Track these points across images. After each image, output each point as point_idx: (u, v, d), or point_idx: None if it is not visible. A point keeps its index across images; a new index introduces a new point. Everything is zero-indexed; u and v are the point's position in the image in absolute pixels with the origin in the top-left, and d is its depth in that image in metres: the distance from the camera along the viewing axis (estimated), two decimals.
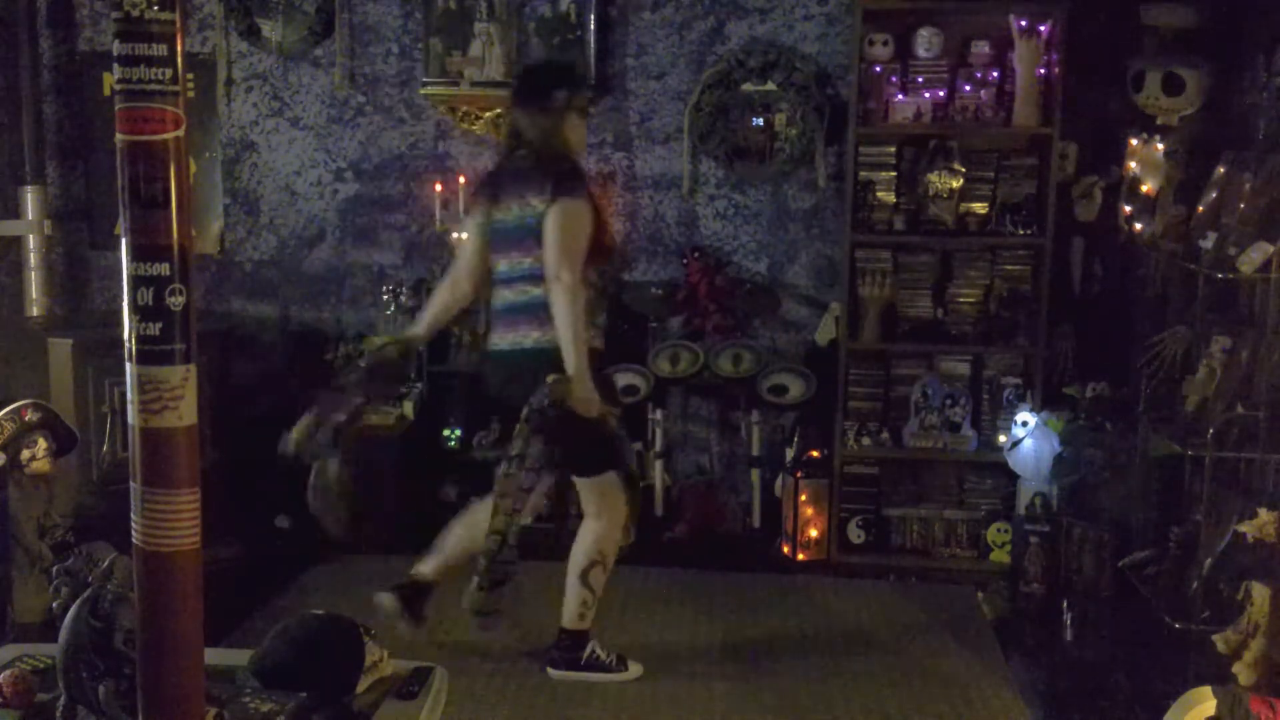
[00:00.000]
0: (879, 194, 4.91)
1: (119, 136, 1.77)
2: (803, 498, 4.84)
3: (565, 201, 3.46)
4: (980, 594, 4.57)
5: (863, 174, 4.89)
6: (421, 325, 3.95)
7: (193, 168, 5.27)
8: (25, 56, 5.08)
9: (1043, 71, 4.69)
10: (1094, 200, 4.79)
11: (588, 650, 3.75)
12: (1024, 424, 4.61)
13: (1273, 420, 3.62)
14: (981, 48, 4.87)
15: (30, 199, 5.09)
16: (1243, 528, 3.41)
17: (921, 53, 4.86)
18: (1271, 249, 3.59)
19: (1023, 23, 4.65)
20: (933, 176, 4.79)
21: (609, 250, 3.82)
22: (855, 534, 4.92)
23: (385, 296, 5.21)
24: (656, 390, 5.04)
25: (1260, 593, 3.23)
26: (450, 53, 5.08)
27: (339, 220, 5.37)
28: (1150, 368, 4.13)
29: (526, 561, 3.64)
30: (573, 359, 3.42)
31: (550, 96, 3.58)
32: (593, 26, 5.03)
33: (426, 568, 3.86)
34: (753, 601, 4.40)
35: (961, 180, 4.80)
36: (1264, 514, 3.37)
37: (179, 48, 1.76)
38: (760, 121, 5.07)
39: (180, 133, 1.78)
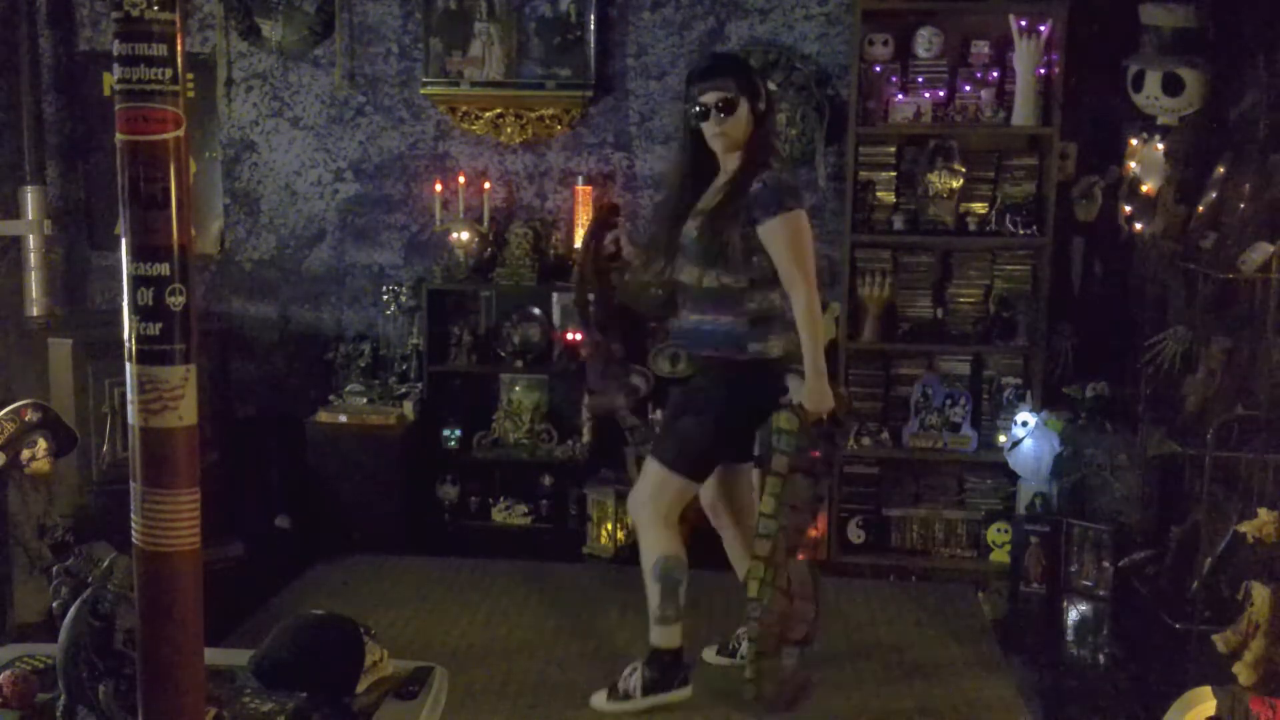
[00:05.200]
0: (879, 194, 4.92)
1: (119, 136, 1.77)
2: None
3: None
4: (980, 594, 4.57)
5: (863, 174, 4.89)
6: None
7: (193, 168, 5.27)
8: (25, 56, 5.08)
9: (1043, 71, 4.69)
10: (1094, 200, 4.79)
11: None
12: (1024, 424, 4.61)
13: (1273, 420, 3.62)
14: (981, 48, 4.87)
15: (30, 199, 5.08)
16: (1243, 528, 3.41)
17: (921, 53, 4.87)
18: (1271, 249, 3.60)
19: (1023, 22, 4.65)
20: (933, 176, 4.79)
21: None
22: (855, 534, 4.92)
23: (385, 296, 5.22)
24: (656, 390, 5.02)
25: (1260, 593, 3.22)
26: (450, 53, 5.08)
27: (339, 220, 5.37)
28: (1150, 368, 4.13)
29: None
30: None
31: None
32: (593, 26, 5.03)
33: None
34: None
35: (961, 180, 4.80)
36: (1264, 514, 3.36)
37: (179, 48, 1.76)
38: None
39: (180, 133, 1.77)
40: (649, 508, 3.49)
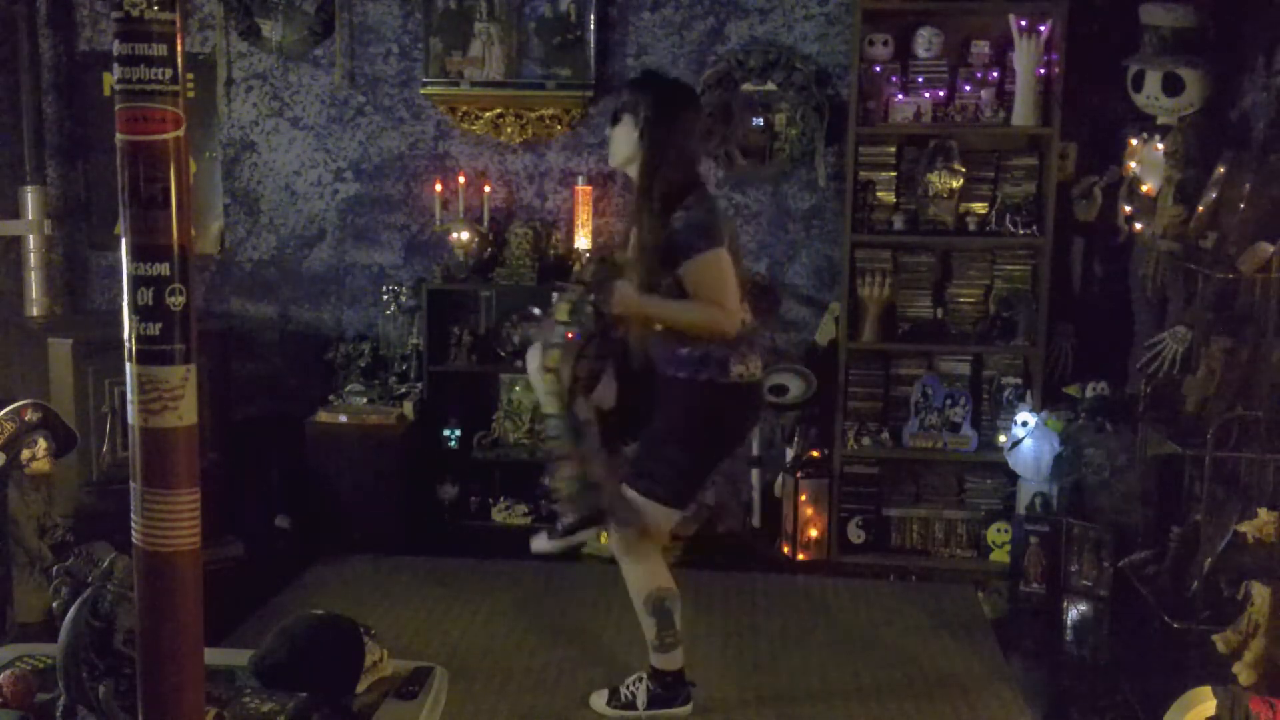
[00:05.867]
0: (879, 194, 4.92)
1: (119, 136, 1.77)
2: (803, 498, 4.84)
3: None
4: (980, 594, 4.57)
5: (863, 174, 4.89)
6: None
7: (193, 168, 5.27)
8: (25, 56, 5.08)
9: (1043, 71, 4.69)
10: (1094, 200, 4.78)
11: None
12: (1024, 424, 4.61)
13: (1273, 420, 3.62)
14: (981, 48, 4.87)
15: (30, 199, 5.09)
16: (1243, 528, 3.41)
17: (921, 53, 4.87)
18: (1271, 249, 3.60)
19: (1023, 22, 4.65)
20: (933, 176, 4.79)
21: None
22: (855, 534, 4.92)
23: (385, 296, 5.22)
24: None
25: (1260, 593, 3.23)
26: (450, 53, 5.08)
27: (339, 220, 5.37)
28: (1150, 368, 4.13)
29: None
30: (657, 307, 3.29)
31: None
32: (593, 26, 5.03)
33: None
34: (753, 601, 4.40)
35: (961, 180, 4.80)
36: (1264, 514, 3.37)
37: (179, 48, 1.76)
38: (760, 121, 5.07)
39: (180, 133, 1.78)
40: (643, 544, 3.42)
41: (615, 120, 3.41)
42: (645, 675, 3.51)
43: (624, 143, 3.38)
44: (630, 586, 3.47)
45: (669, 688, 3.49)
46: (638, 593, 3.45)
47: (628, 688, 3.52)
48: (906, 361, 4.99)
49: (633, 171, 3.39)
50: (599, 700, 3.55)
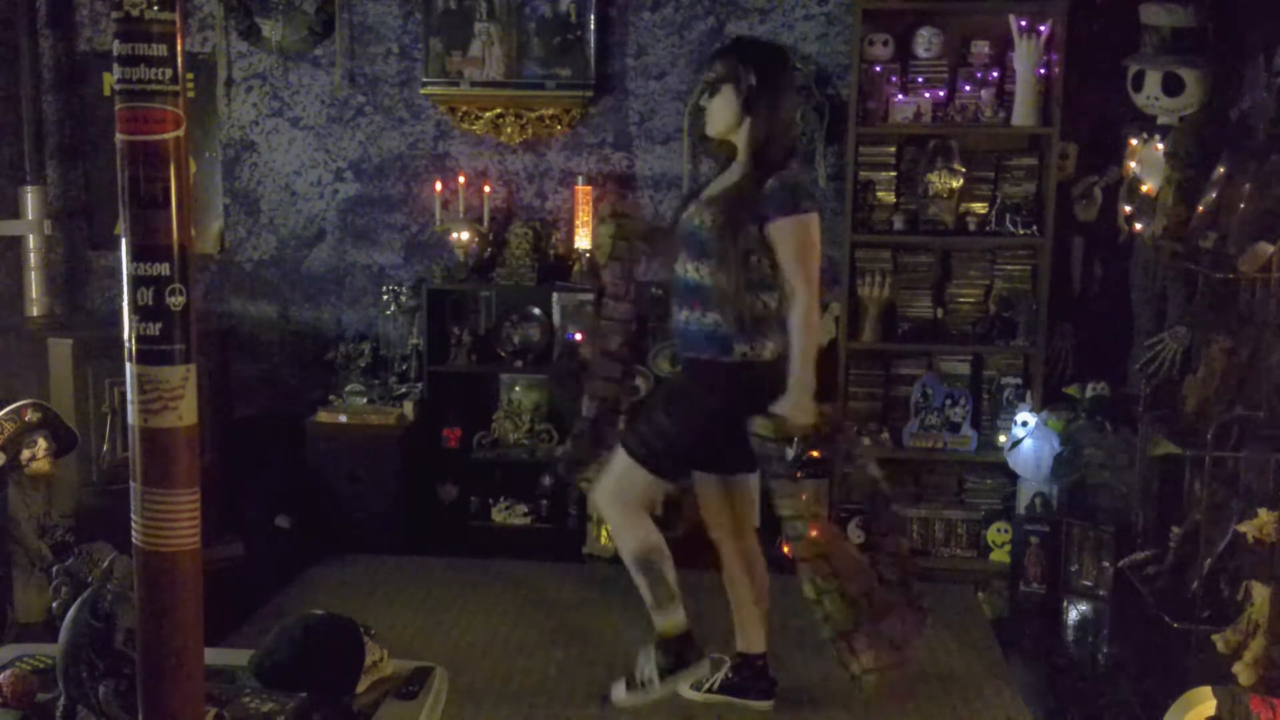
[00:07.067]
0: (879, 194, 4.92)
1: (119, 136, 1.77)
2: (803, 498, 4.83)
3: None
4: (980, 594, 4.57)
5: (863, 174, 4.89)
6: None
7: (193, 168, 5.27)
8: (25, 56, 5.08)
9: (1043, 71, 4.69)
10: (1094, 200, 4.78)
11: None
12: (1024, 424, 4.61)
13: (1273, 420, 3.62)
14: (981, 48, 4.87)
15: (30, 199, 5.09)
16: (1243, 528, 3.41)
17: (921, 53, 4.87)
18: (1271, 249, 3.59)
19: (1023, 22, 4.65)
20: (933, 176, 4.79)
21: None
22: (855, 534, 4.91)
23: (385, 296, 5.22)
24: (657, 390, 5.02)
25: (1260, 593, 3.22)
26: (450, 53, 5.08)
27: (339, 220, 5.37)
28: (1150, 368, 4.13)
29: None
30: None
31: None
32: (593, 26, 5.03)
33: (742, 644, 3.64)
34: None
35: (961, 180, 4.80)
36: (1264, 514, 3.36)
37: (179, 48, 1.77)
38: None
39: (180, 133, 1.78)
40: (614, 501, 3.42)
41: (714, 91, 3.35)
42: (651, 650, 3.47)
43: (725, 112, 3.33)
44: (618, 545, 3.47)
45: (678, 651, 3.43)
46: (623, 551, 3.44)
47: (640, 670, 3.46)
48: (906, 361, 4.99)
49: (735, 138, 3.35)
50: (618, 691, 3.51)
